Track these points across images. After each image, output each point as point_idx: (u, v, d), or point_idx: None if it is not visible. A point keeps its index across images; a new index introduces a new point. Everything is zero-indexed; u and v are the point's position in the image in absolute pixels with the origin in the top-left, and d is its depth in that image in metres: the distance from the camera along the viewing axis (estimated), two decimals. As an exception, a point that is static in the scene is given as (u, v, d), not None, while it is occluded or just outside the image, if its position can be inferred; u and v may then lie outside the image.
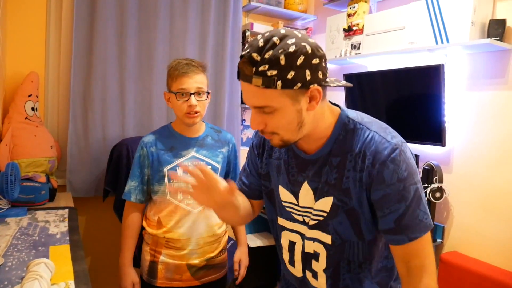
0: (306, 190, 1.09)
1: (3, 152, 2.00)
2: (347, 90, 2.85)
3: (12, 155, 2.07)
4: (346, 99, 2.87)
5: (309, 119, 0.98)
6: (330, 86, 0.98)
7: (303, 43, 0.90)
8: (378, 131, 0.99)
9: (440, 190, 2.21)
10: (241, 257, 1.93)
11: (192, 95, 1.63)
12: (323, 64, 0.94)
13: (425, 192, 2.22)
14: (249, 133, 3.27)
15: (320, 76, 0.93)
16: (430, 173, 2.24)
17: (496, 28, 2.04)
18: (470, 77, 2.27)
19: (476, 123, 2.23)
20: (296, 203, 1.12)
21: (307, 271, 1.16)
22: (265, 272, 3.04)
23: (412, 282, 0.97)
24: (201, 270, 1.75)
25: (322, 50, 0.94)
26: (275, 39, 0.88)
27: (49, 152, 2.23)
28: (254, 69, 0.88)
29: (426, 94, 2.31)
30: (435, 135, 2.27)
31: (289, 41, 0.89)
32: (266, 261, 3.03)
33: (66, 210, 2.01)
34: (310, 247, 1.12)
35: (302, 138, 1.01)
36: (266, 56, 0.87)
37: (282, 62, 0.86)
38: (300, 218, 1.12)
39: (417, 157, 2.39)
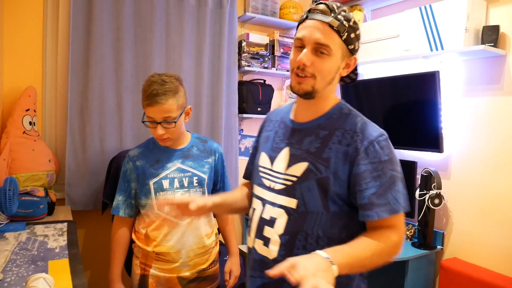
0: (284, 155, 1.17)
1: (1, 167, 2.00)
2: (344, 98, 2.85)
3: (10, 169, 2.07)
4: (343, 107, 2.88)
5: (335, 82, 1.14)
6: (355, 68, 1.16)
7: (360, 28, 1.12)
8: (368, 120, 1.14)
9: (439, 196, 2.21)
10: (232, 267, 1.90)
11: (159, 124, 1.61)
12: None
13: (424, 199, 2.22)
14: (247, 143, 3.28)
15: (357, 48, 1.12)
16: (428, 180, 2.24)
17: (490, 34, 2.06)
18: (466, 83, 2.29)
19: (473, 128, 2.24)
20: (270, 168, 1.20)
21: (256, 240, 1.18)
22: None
23: (378, 234, 1.05)
24: (192, 282, 1.73)
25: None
26: (345, 7, 1.10)
27: (47, 166, 2.23)
28: (333, 14, 1.05)
29: (422, 101, 2.32)
30: (433, 142, 2.28)
31: (353, 15, 1.14)
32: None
33: (65, 224, 2.01)
34: (268, 212, 1.16)
35: (309, 101, 1.13)
36: (342, 12, 1.07)
37: (351, 23, 1.07)
38: (268, 183, 1.18)
39: (414, 163, 2.39)
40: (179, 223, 1.69)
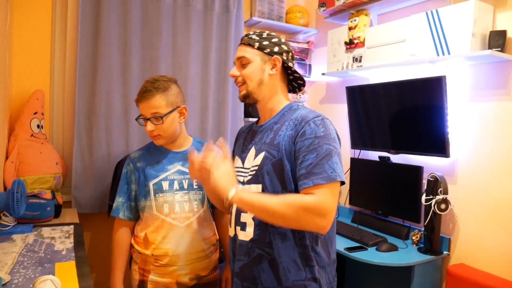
0: (251, 153, 1.39)
1: (9, 170, 2.01)
2: (350, 103, 2.86)
3: (18, 172, 2.08)
4: (348, 111, 2.88)
5: (267, 82, 1.39)
6: (289, 65, 1.40)
7: (282, 38, 1.44)
8: (312, 110, 1.35)
9: (445, 201, 2.20)
10: (228, 276, 1.89)
11: (148, 121, 1.66)
12: (290, 54, 1.43)
13: (430, 204, 2.21)
14: (253, 147, 3.28)
15: (284, 57, 1.40)
16: (435, 185, 2.23)
17: (497, 39, 2.06)
18: (473, 88, 2.28)
19: (480, 133, 2.23)
20: (242, 166, 1.42)
21: (237, 228, 1.38)
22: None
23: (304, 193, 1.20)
24: (191, 284, 1.72)
25: (291, 49, 1.45)
26: (265, 32, 1.43)
27: (54, 169, 2.25)
28: (246, 37, 1.41)
29: (429, 105, 2.31)
30: (439, 147, 2.27)
31: (273, 34, 1.44)
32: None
33: (72, 226, 2.02)
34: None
35: (260, 105, 1.43)
36: (256, 32, 1.42)
37: (264, 35, 1.40)
38: (241, 179, 1.39)
39: (421, 168, 2.38)
40: (177, 225, 1.69)
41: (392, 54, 2.49)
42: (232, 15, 2.99)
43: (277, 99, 1.42)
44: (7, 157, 2.10)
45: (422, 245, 2.34)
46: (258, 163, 1.33)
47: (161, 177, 1.71)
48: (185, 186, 1.71)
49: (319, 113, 1.30)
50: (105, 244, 2.67)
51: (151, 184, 1.71)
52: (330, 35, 3.01)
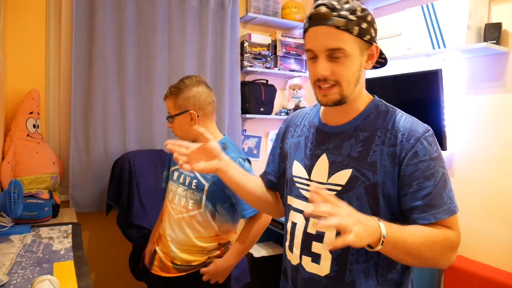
0: (322, 163, 1.07)
1: (6, 170, 2.01)
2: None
3: (14, 172, 2.08)
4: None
5: (361, 80, 1.04)
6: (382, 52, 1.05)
7: (369, 9, 1.01)
8: (410, 115, 1.04)
9: (443, 194, 2.21)
10: (213, 264, 1.73)
11: (167, 119, 1.79)
12: (376, 31, 1.02)
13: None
14: (250, 143, 3.28)
15: (376, 39, 1.02)
16: (432, 178, 2.24)
17: (492, 32, 2.06)
18: (469, 81, 2.28)
19: (476, 126, 2.24)
20: (307, 178, 1.10)
21: (303, 256, 1.09)
22: (270, 282, 3.03)
23: (435, 228, 0.96)
24: (185, 267, 1.73)
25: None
26: None
27: (51, 169, 2.24)
28: (335, 13, 0.94)
29: (425, 99, 2.31)
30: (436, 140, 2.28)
31: (358, 2, 0.99)
32: (270, 271, 3.01)
33: (70, 226, 2.01)
34: (314, 227, 1.06)
35: (340, 106, 1.03)
36: (345, 5, 0.95)
37: (359, 13, 0.96)
38: (308, 195, 1.05)
39: (418, 162, 2.39)
40: (173, 215, 1.75)
41: (388, 48, 2.49)
42: (228, 11, 2.98)
43: (360, 98, 1.07)
44: (3, 158, 2.09)
45: (421, 239, 2.35)
46: (342, 183, 1.02)
47: (177, 166, 1.80)
48: (187, 183, 1.74)
49: (426, 125, 1.02)
50: (103, 243, 2.66)
51: (171, 169, 1.87)
52: (326, 30, 3.00)
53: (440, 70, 2.21)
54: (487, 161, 2.19)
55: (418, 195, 0.96)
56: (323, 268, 1.05)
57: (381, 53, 1.07)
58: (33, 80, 2.45)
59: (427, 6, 2.23)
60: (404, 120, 1.02)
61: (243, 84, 3.13)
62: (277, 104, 3.36)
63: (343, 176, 1.02)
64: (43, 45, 2.49)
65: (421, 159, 0.96)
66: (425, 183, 0.95)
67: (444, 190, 0.97)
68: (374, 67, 1.11)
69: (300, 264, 1.10)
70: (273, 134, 3.33)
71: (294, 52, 3.29)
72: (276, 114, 3.33)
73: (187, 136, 1.76)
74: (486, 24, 2.09)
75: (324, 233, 1.04)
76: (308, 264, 1.08)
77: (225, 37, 2.98)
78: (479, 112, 2.23)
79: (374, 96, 1.11)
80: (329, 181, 1.04)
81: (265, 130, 3.30)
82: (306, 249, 1.08)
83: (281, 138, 1.27)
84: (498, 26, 2.05)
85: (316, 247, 1.06)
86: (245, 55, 3.11)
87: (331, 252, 1.04)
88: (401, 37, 2.40)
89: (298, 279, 1.11)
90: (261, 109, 3.11)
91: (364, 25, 0.96)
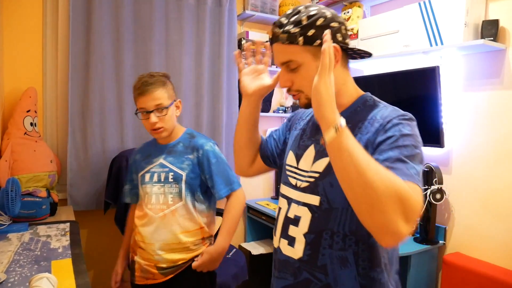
0: (310, 153, 1.12)
1: (3, 168, 2.00)
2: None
3: (12, 170, 2.07)
4: (343, 104, 2.88)
5: (336, 79, 1.01)
6: (350, 48, 1.05)
7: (323, 10, 1.02)
8: (395, 107, 1.05)
9: (440, 191, 2.21)
10: (206, 251, 1.73)
11: (152, 113, 1.68)
12: (343, 29, 1.04)
13: (425, 194, 2.22)
14: (248, 141, 3.27)
15: (339, 38, 1.02)
16: (430, 175, 2.24)
17: (489, 29, 2.06)
18: (466, 78, 2.28)
19: (474, 123, 2.24)
20: (296, 166, 1.15)
21: (281, 239, 1.14)
22: (268, 279, 3.03)
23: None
24: (170, 268, 1.72)
25: (341, 18, 1.05)
26: (300, 7, 1.03)
27: (49, 167, 2.24)
28: (281, 30, 1.01)
29: (422, 96, 2.32)
30: (433, 137, 2.28)
31: (312, 8, 1.02)
32: (268, 268, 3.02)
33: (68, 224, 2.01)
34: (293, 211, 1.11)
35: None
36: (292, 19, 1.01)
37: (304, 22, 0.99)
38: (294, 182, 1.14)
39: (416, 159, 2.40)
40: (153, 216, 1.72)
41: (385, 46, 2.49)
42: (225, 8, 2.98)
43: (344, 90, 1.09)
44: (0, 156, 2.08)
45: (418, 235, 2.36)
46: (320, 170, 1.06)
47: (146, 169, 1.79)
48: (162, 179, 1.74)
49: (406, 112, 1.02)
50: (101, 241, 2.67)
51: (139, 175, 1.82)
52: (323, 27, 3.00)
53: (438, 67, 2.21)
54: (484, 158, 2.19)
55: (380, 158, 0.91)
56: (297, 252, 1.08)
57: (352, 49, 1.06)
58: (30, 78, 2.45)
59: (424, 3, 2.23)
60: (385, 111, 1.03)
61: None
62: (275, 102, 3.36)
63: (322, 163, 1.07)
64: (40, 43, 2.49)
65: (390, 134, 0.94)
66: (389, 151, 0.91)
67: (411, 161, 0.90)
68: (353, 59, 1.13)
69: (278, 247, 1.16)
70: (271, 131, 3.33)
71: (292, 50, 3.28)
72: (274, 111, 3.33)
73: (172, 127, 1.77)
74: (483, 21, 2.09)
75: (300, 217, 1.08)
76: (284, 247, 1.13)
77: (223, 34, 2.98)
78: (476, 109, 2.23)
79: (366, 92, 1.13)
80: (311, 169, 1.09)
81: (262, 128, 3.30)
82: (284, 232, 1.13)
83: (289, 127, 1.34)
84: (495, 23, 2.06)
85: (292, 230, 1.11)
86: (243, 53, 3.11)
87: (304, 236, 1.07)
88: (398, 34, 2.40)
89: (276, 261, 1.18)
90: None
91: (311, 32, 0.99)
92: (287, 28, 1.00)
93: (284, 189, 1.19)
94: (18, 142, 2.15)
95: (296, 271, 1.09)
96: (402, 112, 1.01)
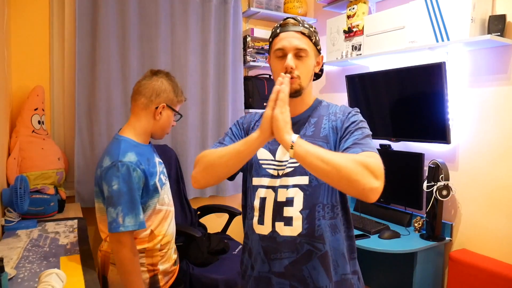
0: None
1: (12, 166, 2.03)
2: (350, 91, 2.85)
3: (20, 168, 2.09)
4: (348, 100, 2.88)
5: (312, 79, 1.32)
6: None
7: None
8: (343, 104, 1.35)
9: (447, 187, 2.21)
10: None
11: None
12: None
13: (432, 191, 2.22)
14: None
15: (319, 48, 1.33)
16: (436, 171, 2.24)
17: (496, 24, 2.05)
18: (472, 74, 2.27)
19: (480, 119, 2.23)
20: (273, 159, 1.30)
21: (276, 223, 1.25)
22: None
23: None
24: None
25: None
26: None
27: (56, 164, 2.26)
28: (301, 24, 1.28)
29: (429, 92, 2.31)
30: (440, 133, 2.27)
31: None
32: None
33: (75, 221, 2.03)
34: (283, 195, 1.25)
35: (298, 98, 1.28)
36: (305, 23, 1.30)
37: (313, 29, 1.31)
38: (275, 172, 1.28)
39: (422, 155, 2.39)
40: (172, 210, 1.78)
41: (391, 42, 2.48)
42: (230, 6, 2.98)
43: (309, 95, 1.35)
44: (9, 154, 2.11)
45: (424, 232, 2.35)
46: None
47: (157, 171, 1.68)
48: (166, 175, 1.82)
49: (354, 108, 1.33)
50: (109, 238, 2.68)
51: (156, 181, 1.66)
52: (329, 24, 3.00)
53: (444, 63, 2.20)
54: (491, 154, 2.18)
55: (350, 139, 1.19)
56: (296, 228, 1.23)
57: (322, 65, 1.37)
58: (38, 76, 2.47)
59: (430, -2, 2.22)
60: (339, 107, 1.33)
61: (246, 79, 3.13)
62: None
63: None
64: (47, 42, 2.50)
65: (352, 121, 1.24)
66: (355, 132, 1.20)
67: (367, 141, 1.17)
68: (316, 75, 1.38)
69: (273, 231, 1.26)
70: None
71: (297, 46, 3.28)
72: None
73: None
74: (490, 16, 2.08)
75: (293, 198, 1.24)
76: (281, 229, 1.25)
77: (228, 32, 2.99)
78: (483, 105, 2.22)
79: (316, 97, 1.40)
80: (290, 159, 1.25)
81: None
82: (278, 216, 1.25)
83: (244, 127, 1.43)
84: (502, 18, 2.04)
85: (287, 211, 1.24)
86: (248, 50, 3.11)
87: (301, 212, 1.23)
88: (404, 30, 2.39)
89: (271, 247, 1.27)
90: (264, 104, 3.11)
91: (317, 37, 1.31)
92: (306, 25, 1.28)
93: (262, 181, 1.30)
94: (26, 140, 2.17)
95: (298, 246, 1.23)
96: (352, 108, 1.32)
